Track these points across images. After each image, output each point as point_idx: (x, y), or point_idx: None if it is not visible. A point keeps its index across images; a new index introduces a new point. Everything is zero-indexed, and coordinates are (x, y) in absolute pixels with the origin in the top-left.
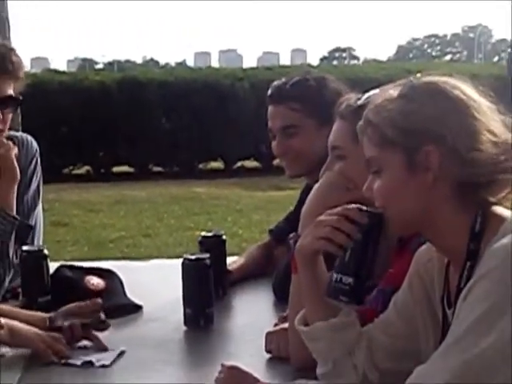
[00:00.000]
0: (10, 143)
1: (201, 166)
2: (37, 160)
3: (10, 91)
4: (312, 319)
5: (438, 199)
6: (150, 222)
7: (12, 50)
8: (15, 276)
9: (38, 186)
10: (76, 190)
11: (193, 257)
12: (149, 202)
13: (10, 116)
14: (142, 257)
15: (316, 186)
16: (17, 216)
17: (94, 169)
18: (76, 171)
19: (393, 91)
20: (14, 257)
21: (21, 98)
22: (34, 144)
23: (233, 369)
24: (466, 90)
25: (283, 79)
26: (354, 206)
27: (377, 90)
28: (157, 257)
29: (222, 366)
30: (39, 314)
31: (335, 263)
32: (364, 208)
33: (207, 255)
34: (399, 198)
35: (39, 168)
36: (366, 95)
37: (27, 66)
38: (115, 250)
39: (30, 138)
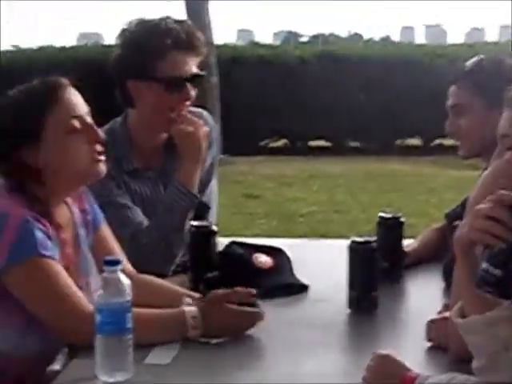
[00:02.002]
0: (201, 122)
1: (398, 142)
2: (211, 136)
3: (197, 68)
4: (468, 311)
5: None
6: (342, 197)
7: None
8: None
9: (213, 162)
10: (270, 163)
11: (360, 239)
12: (343, 177)
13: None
14: (331, 233)
15: (484, 173)
16: (197, 195)
17: (290, 142)
18: (272, 144)
19: None
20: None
21: (204, 74)
22: (210, 120)
23: (384, 357)
24: None
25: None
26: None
27: None
28: (345, 236)
29: (374, 354)
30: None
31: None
32: None
33: (374, 238)
34: None
35: (215, 143)
36: None
37: (233, 37)
38: (305, 224)
39: (205, 113)
